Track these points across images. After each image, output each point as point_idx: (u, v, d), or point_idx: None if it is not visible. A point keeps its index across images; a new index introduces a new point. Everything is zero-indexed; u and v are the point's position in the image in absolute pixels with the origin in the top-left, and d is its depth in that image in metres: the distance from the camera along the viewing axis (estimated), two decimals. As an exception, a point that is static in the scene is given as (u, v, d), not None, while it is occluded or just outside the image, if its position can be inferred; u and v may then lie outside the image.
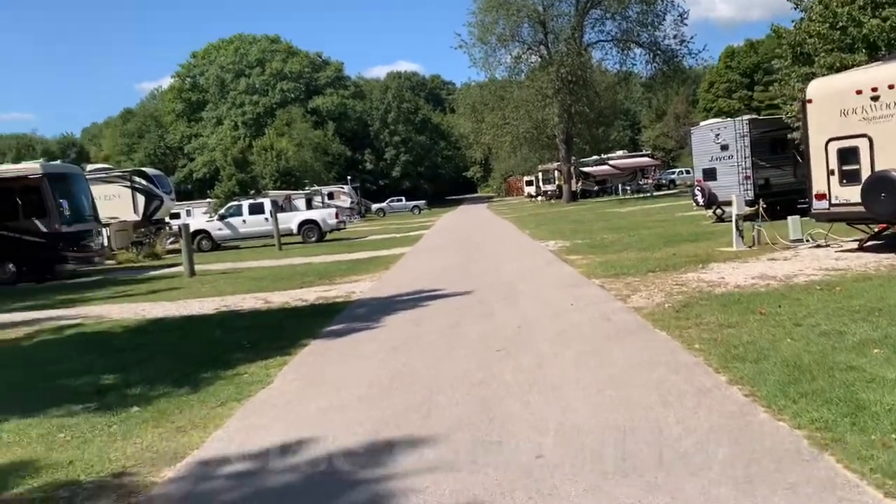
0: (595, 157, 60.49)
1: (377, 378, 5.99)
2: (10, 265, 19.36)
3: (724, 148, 20.27)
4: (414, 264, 16.79)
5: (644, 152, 70.75)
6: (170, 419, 5.35)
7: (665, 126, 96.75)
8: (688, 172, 67.84)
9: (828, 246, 12.67)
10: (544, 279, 11.74)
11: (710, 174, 20.85)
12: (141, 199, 28.60)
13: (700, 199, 20.94)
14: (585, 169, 59.43)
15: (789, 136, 19.18)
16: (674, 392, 4.95)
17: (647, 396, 4.90)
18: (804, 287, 8.63)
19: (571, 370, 5.71)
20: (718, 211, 21.22)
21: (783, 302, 7.72)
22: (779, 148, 20.14)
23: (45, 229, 19.21)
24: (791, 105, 18.69)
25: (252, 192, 51.24)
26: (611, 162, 62.12)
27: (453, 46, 77.87)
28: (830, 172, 11.50)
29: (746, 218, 14.67)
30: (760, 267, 10.81)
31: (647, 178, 60.96)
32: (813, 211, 12.06)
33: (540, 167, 63.58)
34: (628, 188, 57.63)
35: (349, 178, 71.73)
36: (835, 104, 11.34)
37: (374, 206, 70.07)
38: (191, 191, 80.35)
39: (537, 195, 66.48)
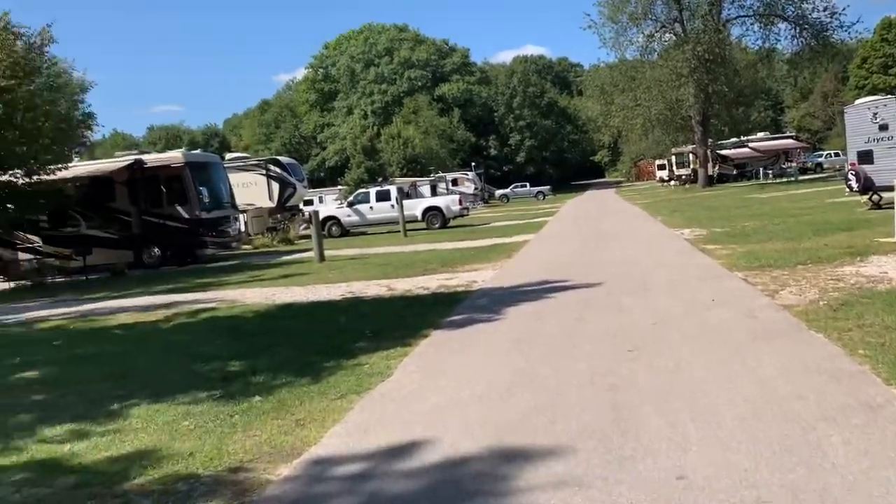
0: (733, 140, 57.07)
1: (498, 375, 5.68)
2: (156, 249, 20.64)
3: (884, 128, 18.36)
4: (538, 252, 16.35)
5: (787, 134, 65.99)
6: (290, 411, 5.28)
7: (811, 106, 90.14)
8: (836, 155, 62.71)
9: None
10: (680, 271, 10.99)
11: (865, 157, 18.96)
12: (276, 186, 29.80)
13: (854, 185, 19.10)
14: (723, 152, 56.27)
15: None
16: (836, 406, 4.31)
17: (804, 410, 4.29)
18: None
19: (714, 375, 5.15)
20: (875, 197, 19.30)
21: (965, 302, 6.73)
22: (950, 127, 18.02)
23: (186, 215, 20.32)
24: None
25: (379, 179, 52.38)
26: (751, 144, 58.43)
27: (582, 27, 76.09)
28: None
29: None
30: (932, 260, 9.59)
31: (791, 161, 56.91)
32: None
33: (673, 150, 60.85)
34: (770, 172, 53.98)
35: (473, 164, 71.84)
36: None
37: (498, 192, 69.76)
38: (323, 178, 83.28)
39: (670, 180, 63.73)
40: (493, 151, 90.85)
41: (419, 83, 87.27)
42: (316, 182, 79.86)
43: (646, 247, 15.37)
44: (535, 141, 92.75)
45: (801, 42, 42.51)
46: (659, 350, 6.05)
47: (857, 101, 20.20)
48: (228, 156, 33.44)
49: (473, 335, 7.42)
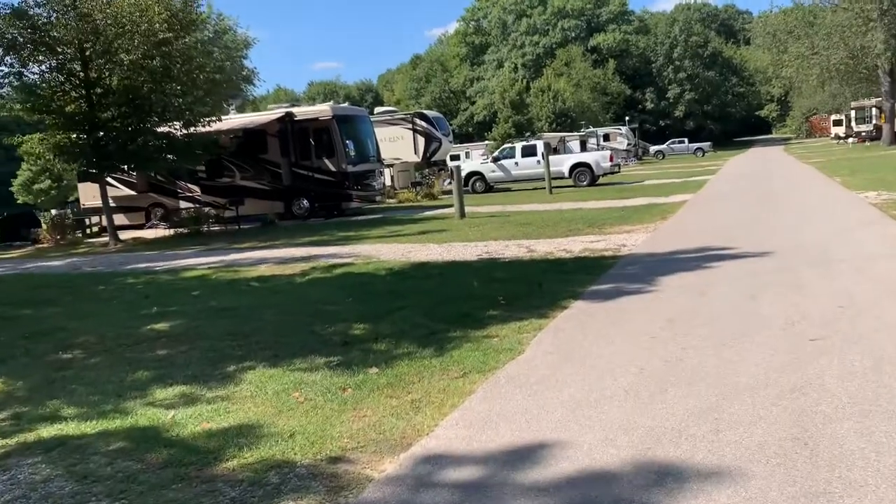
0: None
1: (648, 364, 4.81)
2: (305, 201, 21.02)
3: None
4: (696, 215, 14.91)
5: None
6: (406, 388, 4.73)
7: None
8: None
9: None
10: (868, 242, 9.40)
11: None
12: (421, 140, 29.65)
13: None
14: (913, 106, 49.93)
15: None
16: None
17: None
18: None
19: (933, 383, 4.02)
20: None
21: None
22: None
23: (333, 168, 20.48)
24: None
25: (528, 134, 51.22)
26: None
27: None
28: None
29: None
30: None
31: None
32: None
33: (853, 104, 54.83)
34: (971, 129, 47.32)
35: (627, 118, 68.55)
36: None
37: (653, 149, 66.32)
38: (471, 133, 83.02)
39: (847, 137, 57.65)
40: (649, 105, 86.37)
41: (573, 34, 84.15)
42: (464, 137, 79.80)
43: (822, 211, 13.55)
44: (695, 94, 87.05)
45: None
46: (850, 342, 4.91)
47: None
48: (377, 110, 33.63)
49: (620, 310, 6.54)
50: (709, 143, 66.15)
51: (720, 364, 4.67)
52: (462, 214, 17.30)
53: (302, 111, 21.45)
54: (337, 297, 8.26)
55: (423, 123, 29.61)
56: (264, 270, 11.07)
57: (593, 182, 27.56)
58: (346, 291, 8.56)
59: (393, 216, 20.22)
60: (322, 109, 21.51)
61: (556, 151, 40.00)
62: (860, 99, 52.54)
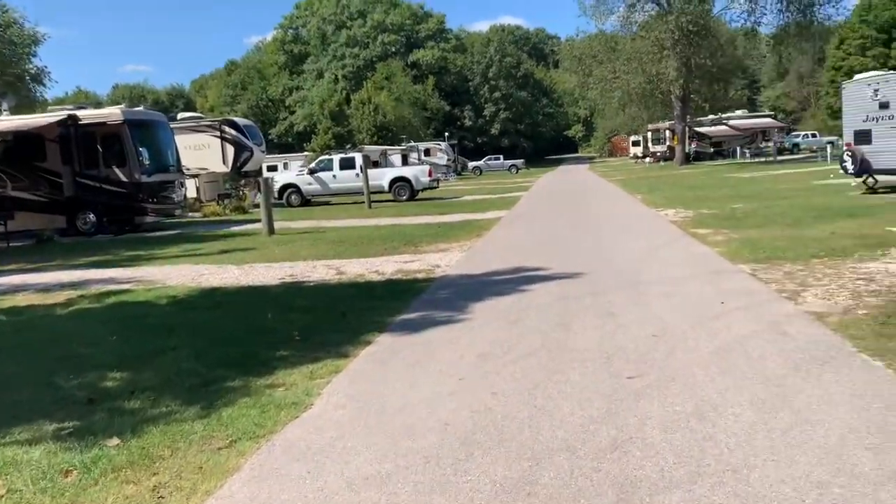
0: (711, 117, 55.89)
1: (454, 417, 4.10)
2: (91, 215, 18.68)
3: (884, 106, 16.98)
4: (511, 232, 14.79)
5: (765, 113, 65.01)
6: (152, 467, 3.67)
7: (787, 86, 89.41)
8: (814, 136, 61.98)
9: None
10: (673, 262, 9.50)
11: (863, 137, 17.63)
12: (230, 149, 27.80)
13: (850, 167, 17.79)
14: (700, 129, 55.08)
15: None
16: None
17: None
18: None
19: (756, 430, 3.63)
20: (871, 180, 18.05)
21: None
22: (954, 107, 16.74)
23: (124, 178, 18.37)
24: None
25: (348, 146, 50.34)
26: (728, 123, 57.34)
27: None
28: None
29: None
30: (969, 258, 8.22)
31: (769, 141, 55.96)
32: None
33: (649, 126, 59.55)
34: (747, 152, 53.00)
35: (447, 134, 69.81)
36: None
37: (471, 164, 67.89)
38: (291, 144, 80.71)
39: (644, 156, 62.53)
40: (467, 122, 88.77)
41: (393, 48, 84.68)
42: (284, 147, 77.37)
43: (628, 229, 13.90)
44: (509, 113, 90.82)
45: (788, 17, 41.07)
46: (669, 379, 4.53)
47: (857, 77, 18.78)
48: (180, 115, 31.19)
49: (428, 345, 5.83)
50: (522, 160, 68.80)
51: (533, 414, 4.05)
52: (271, 231, 16.07)
53: (88, 114, 19.05)
54: (98, 334, 6.88)
55: (232, 131, 27.76)
56: (21, 300, 9.28)
57: (413, 197, 27.19)
58: (111, 327, 7.17)
59: (194, 232, 18.48)
60: (112, 113, 19.24)
61: (377, 165, 39.49)
62: (656, 121, 57.09)
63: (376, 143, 53.81)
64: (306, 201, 28.05)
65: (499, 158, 69.61)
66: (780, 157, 48.24)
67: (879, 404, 3.88)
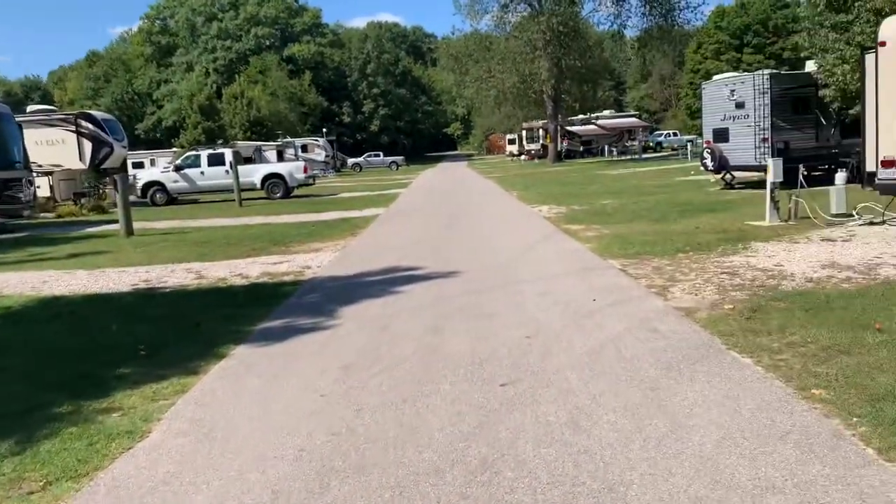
0: (581, 117, 57.83)
1: (310, 441, 3.68)
2: (-81, 217, 16.68)
3: (740, 106, 17.96)
4: (387, 230, 14.43)
5: (631, 113, 68.12)
6: (-62, 524, 3.04)
7: (650, 88, 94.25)
8: (675, 135, 65.57)
9: (883, 223, 10.51)
10: (547, 259, 9.45)
11: (721, 135, 18.59)
12: (88, 145, 25.75)
13: (709, 164, 18.69)
14: (571, 128, 56.85)
15: (819, 93, 17.03)
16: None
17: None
18: (905, 285, 6.46)
19: (632, 440, 3.45)
20: (728, 177, 19.06)
21: (895, 308, 5.55)
22: (800, 107, 17.93)
23: (-42, 176, 16.52)
24: (825, 57, 16.42)
25: (220, 141, 48.33)
26: (598, 122, 59.58)
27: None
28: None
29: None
30: (819, 250, 8.62)
31: (634, 139, 58.62)
32: (878, 181, 9.88)
33: (524, 125, 60.87)
34: (614, 150, 55.25)
35: (325, 130, 68.48)
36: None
37: (351, 161, 66.98)
38: (160, 140, 76.64)
39: (519, 154, 63.88)
40: (346, 118, 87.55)
41: (267, 42, 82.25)
42: (152, 143, 73.30)
43: (504, 226, 13.88)
44: (389, 110, 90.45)
45: (651, 20, 43.04)
46: (542, 385, 4.31)
47: (715, 77, 19.78)
48: (29, 108, 28.66)
49: (289, 357, 5.36)
50: (402, 157, 68.62)
51: (399, 433, 3.71)
52: (129, 232, 14.90)
53: (-87, 104, 17.00)
54: None
55: (90, 125, 25.69)
56: None
57: (287, 194, 26.23)
58: (-78, 347, 6.22)
59: (44, 234, 16.89)
60: (-58, 103, 17.27)
61: (252, 161, 37.95)
62: (531, 121, 58.41)
63: (250, 139, 51.97)
64: (172, 200, 26.48)
65: (379, 155, 69.06)
66: (644, 155, 50.62)
67: (751, 405, 3.81)
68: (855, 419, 3.53)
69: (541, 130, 57.59)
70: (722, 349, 4.86)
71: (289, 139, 55.04)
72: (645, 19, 43.20)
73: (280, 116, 64.09)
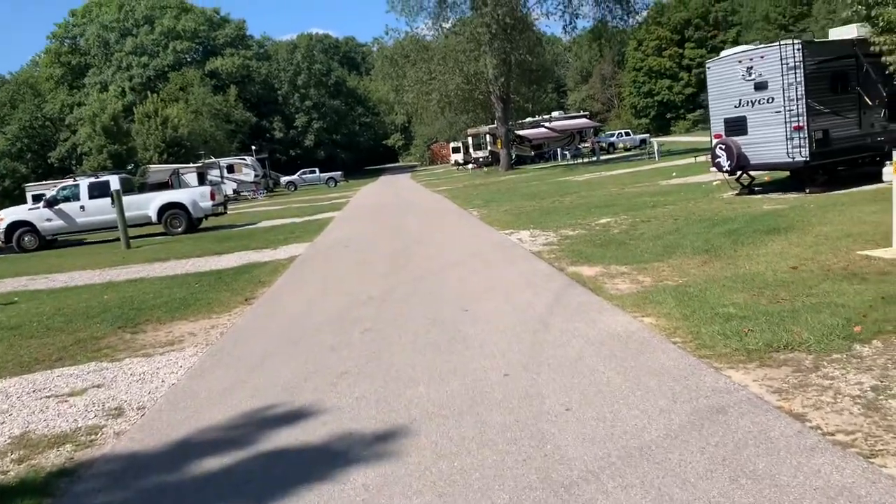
0: (529, 119, 53.80)
1: None
2: None
3: (761, 87, 13.84)
4: (299, 290, 9.67)
5: (582, 113, 64.59)
6: None
7: (591, 88, 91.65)
8: (627, 134, 62.15)
9: None
10: (591, 366, 4.89)
11: (736, 126, 14.46)
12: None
13: (724, 163, 14.48)
14: (520, 132, 52.83)
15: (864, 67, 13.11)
16: None
17: None
18: None
19: None
20: (745, 178, 14.96)
21: None
22: (839, 86, 13.92)
23: None
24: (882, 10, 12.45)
25: (130, 166, 42.82)
26: (547, 124, 55.74)
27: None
28: None
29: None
30: None
31: (586, 141, 54.98)
32: None
33: (469, 131, 56.65)
34: (567, 153, 51.47)
35: (254, 147, 62.90)
36: None
37: (284, 179, 61.67)
38: (75, 168, 69.91)
39: (466, 163, 59.66)
40: (278, 134, 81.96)
41: (188, 56, 76.44)
42: (65, 172, 66.57)
43: (479, 276, 9.22)
44: (323, 122, 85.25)
45: (604, 9, 39.12)
46: None
47: (724, 52, 15.61)
48: None
49: None
50: (341, 172, 63.28)
51: None
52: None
53: None
54: None
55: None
56: None
57: (191, 228, 21.14)
58: None
59: None
60: None
61: (168, 186, 32.70)
62: (476, 126, 54.21)
63: (167, 161, 46.48)
64: (48, 243, 21.14)
65: (315, 171, 63.58)
66: (603, 157, 46.85)
67: None
68: None
69: (488, 136, 53.44)
70: None
71: (212, 159, 49.63)
72: (598, 8, 39.29)
73: (206, 135, 58.57)
